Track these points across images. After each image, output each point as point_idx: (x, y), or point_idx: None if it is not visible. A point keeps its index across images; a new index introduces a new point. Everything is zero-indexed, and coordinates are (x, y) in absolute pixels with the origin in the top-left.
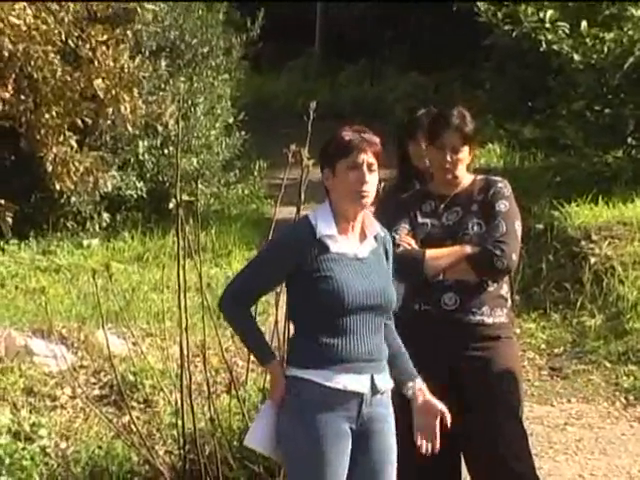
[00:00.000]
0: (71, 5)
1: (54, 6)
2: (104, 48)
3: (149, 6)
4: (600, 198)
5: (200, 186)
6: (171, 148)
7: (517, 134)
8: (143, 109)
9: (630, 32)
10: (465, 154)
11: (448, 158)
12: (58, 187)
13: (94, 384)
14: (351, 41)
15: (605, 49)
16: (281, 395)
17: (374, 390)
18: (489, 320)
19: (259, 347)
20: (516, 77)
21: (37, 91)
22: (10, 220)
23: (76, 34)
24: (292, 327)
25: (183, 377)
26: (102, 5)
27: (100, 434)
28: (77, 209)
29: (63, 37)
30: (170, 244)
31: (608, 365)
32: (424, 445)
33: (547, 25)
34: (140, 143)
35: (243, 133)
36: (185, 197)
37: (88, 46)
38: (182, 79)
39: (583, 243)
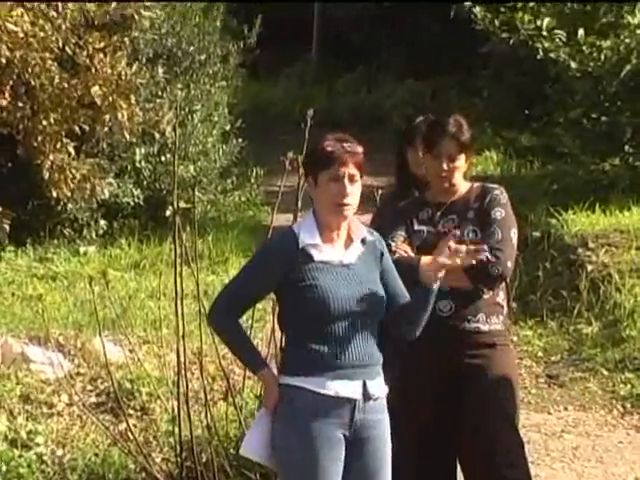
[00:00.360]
0: (68, 12)
1: (51, 13)
2: (101, 55)
3: (146, 13)
4: (597, 206)
5: (197, 193)
6: (168, 155)
7: (514, 142)
8: (140, 116)
9: (627, 40)
10: (462, 162)
11: (444, 166)
12: (55, 194)
13: (91, 391)
14: (348, 45)
15: (602, 57)
16: (275, 403)
17: (367, 396)
18: (485, 327)
19: (250, 356)
20: (513, 85)
21: (34, 98)
22: (7, 227)
23: (73, 41)
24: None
25: (180, 385)
26: (99, 12)
27: (97, 441)
28: (74, 216)
29: (60, 44)
30: (167, 251)
31: (605, 373)
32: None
33: (544, 33)
34: (137, 150)
35: (240, 140)
36: (182, 204)
37: (85, 53)
38: (179, 86)
39: (580, 251)
